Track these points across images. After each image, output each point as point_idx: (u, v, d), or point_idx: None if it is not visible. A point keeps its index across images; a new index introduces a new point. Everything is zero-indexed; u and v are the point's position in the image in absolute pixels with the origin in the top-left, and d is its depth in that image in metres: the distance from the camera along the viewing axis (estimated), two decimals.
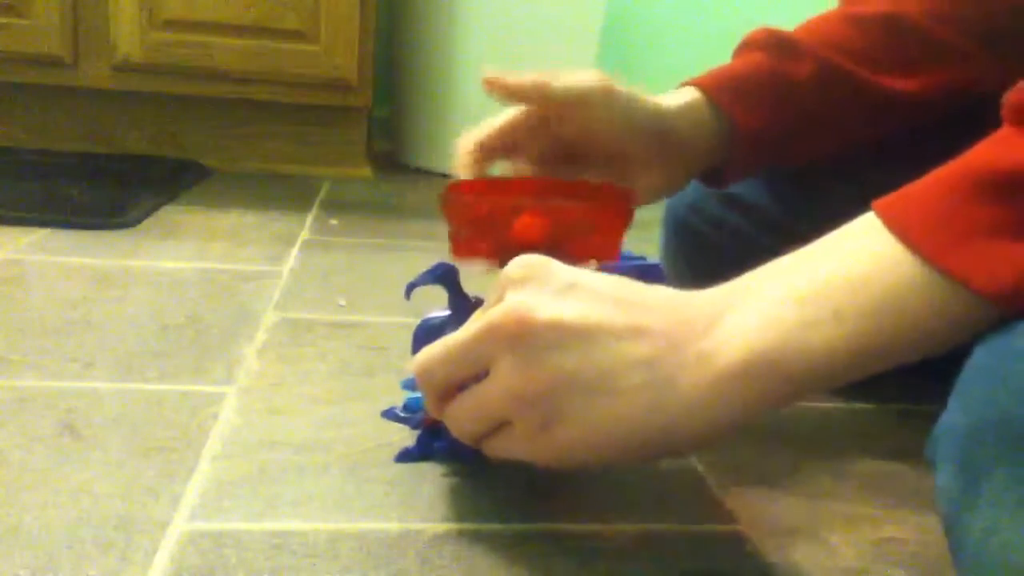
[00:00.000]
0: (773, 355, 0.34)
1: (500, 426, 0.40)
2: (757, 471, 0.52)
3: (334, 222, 1.11)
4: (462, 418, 0.42)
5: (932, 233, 0.33)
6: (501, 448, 0.41)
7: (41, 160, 1.32)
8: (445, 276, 0.47)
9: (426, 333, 0.48)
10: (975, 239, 0.32)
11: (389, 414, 0.53)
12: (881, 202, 0.35)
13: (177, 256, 0.88)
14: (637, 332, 0.37)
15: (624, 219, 0.51)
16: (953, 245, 0.32)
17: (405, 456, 0.50)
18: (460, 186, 0.54)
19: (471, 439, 0.42)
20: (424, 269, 0.48)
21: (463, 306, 0.47)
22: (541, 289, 0.38)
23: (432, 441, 0.49)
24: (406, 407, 0.53)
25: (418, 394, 0.51)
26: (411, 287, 0.48)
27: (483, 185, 0.54)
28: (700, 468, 0.52)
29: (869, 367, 0.34)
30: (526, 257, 0.41)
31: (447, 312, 0.48)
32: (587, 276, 0.39)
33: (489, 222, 0.48)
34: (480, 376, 0.40)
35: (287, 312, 0.74)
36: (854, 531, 0.46)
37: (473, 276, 0.48)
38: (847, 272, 0.34)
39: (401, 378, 0.61)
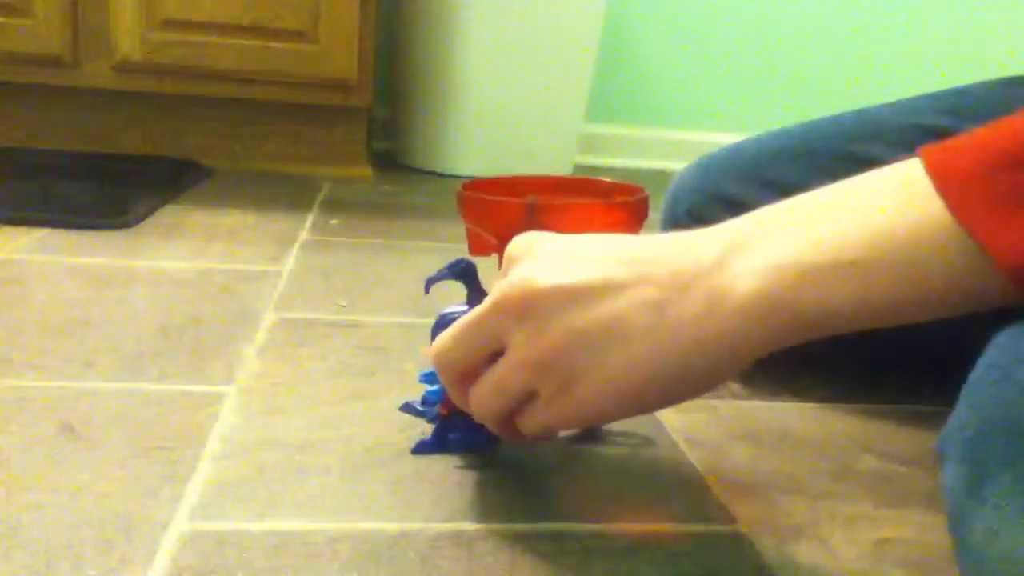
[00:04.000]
0: (787, 295, 0.34)
1: (523, 402, 0.41)
2: (757, 471, 0.52)
3: (334, 222, 1.11)
4: (485, 398, 0.42)
5: (964, 189, 0.32)
6: (529, 422, 0.41)
7: (41, 160, 1.32)
8: (463, 271, 0.48)
9: (444, 327, 0.48)
10: (1007, 207, 0.31)
11: (407, 407, 0.53)
12: (927, 148, 0.34)
13: (177, 256, 0.88)
14: (640, 280, 0.37)
15: (638, 216, 0.51)
16: (982, 207, 0.31)
17: (421, 448, 0.50)
18: (475, 184, 0.54)
19: (497, 419, 0.43)
20: (441, 264, 0.48)
21: (481, 301, 0.48)
22: (541, 260, 0.39)
23: (447, 433, 0.50)
24: (424, 400, 0.53)
25: (435, 387, 0.51)
26: (430, 282, 0.48)
27: (498, 183, 0.54)
28: (700, 468, 0.52)
29: (880, 320, 0.34)
30: (525, 234, 0.42)
31: (465, 307, 0.48)
32: (586, 240, 0.40)
33: (503, 219, 0.48)
34: (495, 358, 0.41)
35: (287, 312, 0.74)
36: (854, 531, 0.46)
37: (491, 271, 0.48)
38: (870, 220, 0.33)
39: (400, 377, 0.61)
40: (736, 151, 0.71)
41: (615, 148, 1.98)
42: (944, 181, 0.32)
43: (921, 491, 0.51)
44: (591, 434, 0.54)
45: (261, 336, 0.67)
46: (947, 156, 0.33)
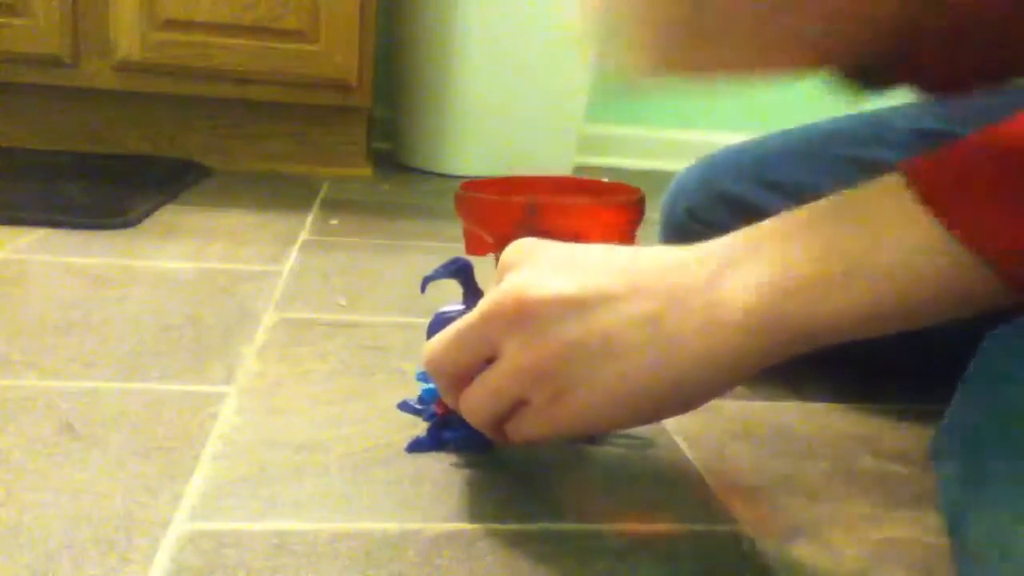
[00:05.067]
0: (782, 309, 0.34)
1: (516, 408, 0.41)
2: (757, 471, 0.52)
3: (334, 222, 1.11)
4: (477, 404, 0.42)
5: (950, 196, 0.32)
6: (520, 429, 0.41)
7: (41, 160, 1.32)
8: (460, 271, 0.48)
9: (440, 326, 0.48)
10: (994, 210, 0.31)
11: (404, 406, 0.53)
12: (908, 161, 0.34)
13: (177, 256, 0.88)
14: (635, 292, 0.37)
15: (635, 217, 0.51)
16: (969, 212, 0.31)
17: (416, 446, 0.50)
18: (474, 184, 0.54)
19: (488, 424, 0.43)
20: (439, 264, 0.48)
21: (477, 300, 0.48)
22: (536, 268, 0.39)
23: (443, 432, 0.50)
24: (421, 399, 0.53)
25: (432, 385, 0.51)
26: (427, 281, 0.48)
27: (496, 183, 0.55)
28: (700, 468, 0.52)
29: (876, 329, 0.34)
30: (521, 241, 0.42)
31: (462, 306, 0.48)
32: (581, 250, 0.40)
33: (501, 219, 0.48)
34: (489, 362, 0.41)
35: (287, 312, 0.74)
36: (854, 531, 0.46)
37: (489, 271, 0.48)
38: (862, 232, 0.33)
39: (400, 377, 0.61)
40: (737, 152, 0.71)
41: (615, 148, 1.98)
42: (931, 191, 0.32)
43: (921, 491, 0.51)
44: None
45: (261, 336, 0.67)
46: (933, 166, 0.33)
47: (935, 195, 0.32)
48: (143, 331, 0.66)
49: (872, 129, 0.66)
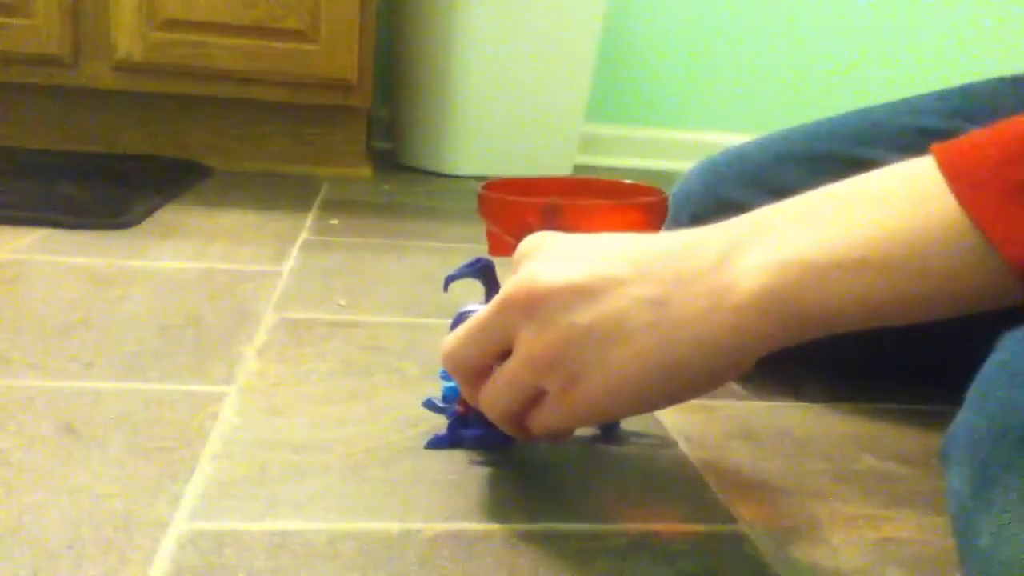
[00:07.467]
0: (791, 293, 0.34)
1: (533, 402, 0.41)
2: (757, 471, 0.52)
3: (334, 222, 1.11)
4: (494, 397, 0.42)
5: (976, 184, 0.31)
6: (538, 421, 0.42)
7: (41, 160, 1.32)
8: (482, 270, 0.48)
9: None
10: (1018, 203, 0.30)
11: (428, 404, 0.53)
12: (939, 145, 0.34)
13: (177, 256, 0.88)
14: (642, 277, 0.37)
15: (657, 217, 0.51)
16: (993, 202, 0.31)
17: (436, 443, 0.51)
18: (496, 185, 0.54)
19: (506, 417, 0.43)
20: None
21: None
22: (547, 258, 0.40)
23: (462, 429, 0.50)
24: (444, 397, 0.53)
25: (454, 383, 0.52)
26: (449, 280, 0.49)
27: (518, 184, 0.55)
28: (700, 468, 0.52)
29: (886, 319, 0.34)
30: (535, 234, 0.42)
31: (483, 305, 0.49)
32: (591, 239, 0.40)
33: (522, 219, 0.49)
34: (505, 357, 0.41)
35: (287, 312, 0.74)
36: (854, 531, 0.46)
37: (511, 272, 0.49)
38: (877, 218, 0.33)
39: (400, 377, 0.61)
40: (739, 156, 0.71)
41: (615, 148, 1.98)
42: (956, 176, 0.32)
43: (921, 491, 0.51)
44: (609, 435, 0.54)
45: (261, 336, 0.67)
46: (959, 152, 0.33)
47: (963, 186, 0.31)
48: (143, 331, 0.66)
49: (875, 129, 0.66)
